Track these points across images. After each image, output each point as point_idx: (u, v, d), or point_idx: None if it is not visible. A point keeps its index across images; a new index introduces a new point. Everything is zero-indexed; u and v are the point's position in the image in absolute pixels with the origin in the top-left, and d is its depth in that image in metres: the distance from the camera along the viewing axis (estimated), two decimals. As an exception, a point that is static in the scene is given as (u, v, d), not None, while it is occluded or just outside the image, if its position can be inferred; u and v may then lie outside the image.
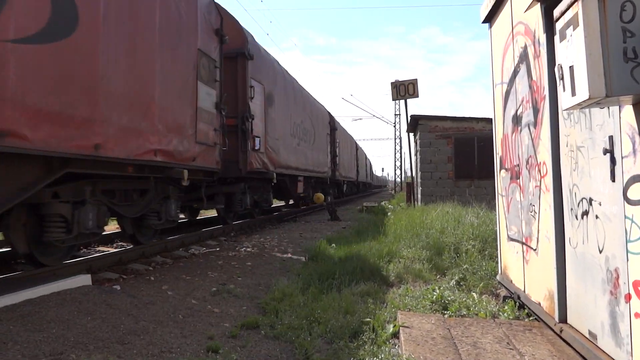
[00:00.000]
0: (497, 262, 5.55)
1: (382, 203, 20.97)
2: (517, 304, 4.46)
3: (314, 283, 5.46)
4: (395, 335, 3.83)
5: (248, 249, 8.42)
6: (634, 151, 2.49)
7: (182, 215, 10.85)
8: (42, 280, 4.68)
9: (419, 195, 16.53)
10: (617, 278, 2.70)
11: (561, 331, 3.46)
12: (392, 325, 3.95)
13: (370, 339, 3.74)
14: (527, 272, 4.30)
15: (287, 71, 14.77)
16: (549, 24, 3.53)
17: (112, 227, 9.76)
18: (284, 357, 3.39)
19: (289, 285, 5.40)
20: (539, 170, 3.90)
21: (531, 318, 4.16)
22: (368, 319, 4.11)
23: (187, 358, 3.28)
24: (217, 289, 5.36)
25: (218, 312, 4.55)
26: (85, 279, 4.90)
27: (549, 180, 3.65)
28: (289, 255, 8.07)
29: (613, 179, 2.71)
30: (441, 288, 5.08)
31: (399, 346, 3.61)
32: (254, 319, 4.27)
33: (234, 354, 3.42)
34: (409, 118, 16.42)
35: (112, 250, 7.67)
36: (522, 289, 4.41)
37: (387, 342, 3.70)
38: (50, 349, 3.21)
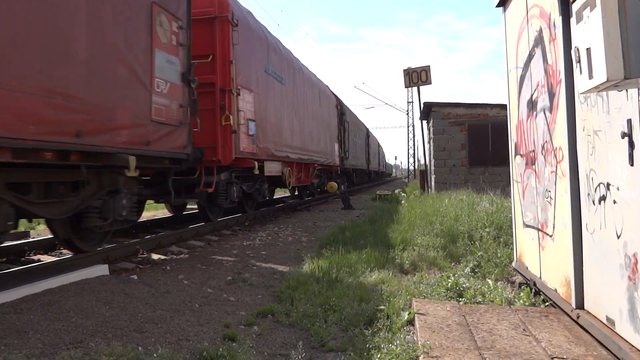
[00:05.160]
0: (512, 249, 5.51)
1: (396, 191, 20.90)
2: (533, 290, 4.44)
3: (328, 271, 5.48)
4: (410, 322, 3.84)
5: (262, 238, 8.47)
6: (653, 134, 2.45)
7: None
8: (61, 270, 4.76)
9: (433, 183, 16.45)
10: (636, 263, 2.66)
11: (578, 317, 3.43)
12: (407, 313, 3.95)
13: (385, 326, 3.75)
14: (543, 258, 4.27)
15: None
16: (565, 5, 3.46)
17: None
18: (300, 345, 3.41)
19: (303, 273, 5.42)
20: (555, 156, 3.85)
21: (547, 304, 4.13)
22: (383, 307, 4.12)
23: (205, 346, 3.32)
24: (233, 277, 5.41)
25: (234, 301, 4.59)
26: (102, 269, 4.98)
27: (565, 165, 3.61)
28: (303, 243, 8.10)
29: (631, 163, 2.67)
30: (456, 275, 5.06)
31: (414, 333, 3.61)
32: (270, 307, 4.31)
33: (250, 342, 3.45)
34: (421, 105, 16.31)
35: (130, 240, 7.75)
36: (538, 276, 4.38)
37: (402, 329, 3.71)
38: (70, 337, 3.27)
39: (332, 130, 18.60)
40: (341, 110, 21.16)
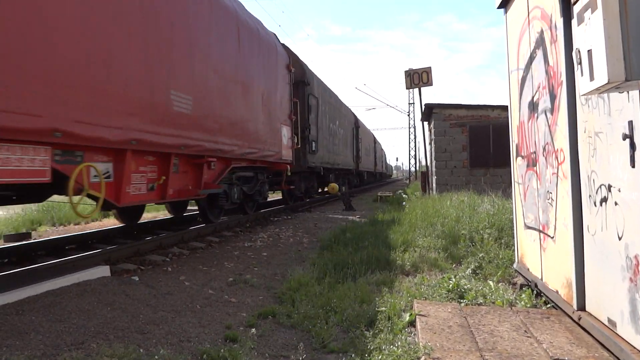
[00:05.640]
0: (513, 251, 5.51)
1: (397, 192, 20.88)
2: (535, 292, 4.43)
3: (329, 272, 5.48)
4: (412, 323, 3.84)
5: (264, 240, 8.47)
6: (655, 136, 2.45)
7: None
8: (63, 272, 4.76)
9: (434, 185, 16.44)
10: (637, 265, 2.66)
11: (579, 319, 3.43)
12: (408, 314, 3.95)
13: (386, 327, 3.75)
14: (545, 260, 4.27)
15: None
16: (566, 7, 3.47)
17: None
18: (301, 346, 3.41)
19: (304, 274, 5.42)
20: (556, 157, 3.85)
21: (549, 306, 4.12)
22: (384, 308, 4.12)
23: (206, 347, 3.32)
24: (234, 279, 5.41)
25: (235, 302, 4.59)
26: (104, 270, 4.98)
27: (566, 167, 3.61)
28: (305, 245, 8.10)
29: (633, 165, 2.67)
30: (457, 277, 5.06)
31: (415, 334, 3.61)
32: (271, 308, 4.31)
33: (251, 343, 3.45)
34: (423, 107, 16.31)
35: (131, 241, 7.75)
36: (540, 277, 4.37)
37: (404, 331, 3.70)
38: (72, 338, 3.27)
39: (274, 104, 10.87)
40: (302, 78, 14.24)
